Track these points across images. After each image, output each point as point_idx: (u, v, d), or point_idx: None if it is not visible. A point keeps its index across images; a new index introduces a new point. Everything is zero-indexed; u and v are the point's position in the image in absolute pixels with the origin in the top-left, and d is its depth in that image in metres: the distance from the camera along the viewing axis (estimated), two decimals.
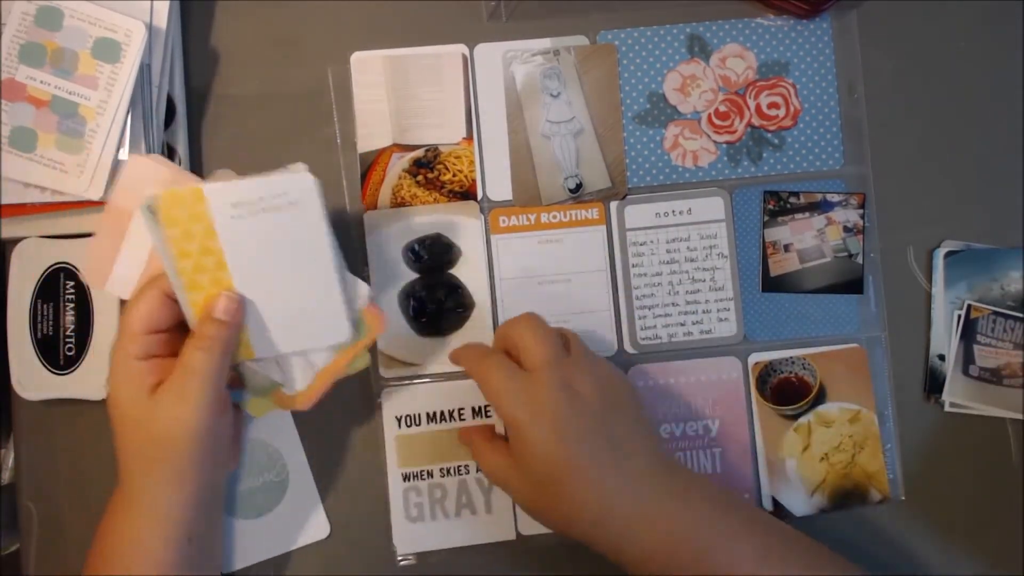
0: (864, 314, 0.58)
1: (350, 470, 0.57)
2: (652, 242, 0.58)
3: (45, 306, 0.55)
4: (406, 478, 0.57)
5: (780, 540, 0.48)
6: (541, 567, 0.57)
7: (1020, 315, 0.58)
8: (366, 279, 0.57)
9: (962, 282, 0.58)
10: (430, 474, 0.57)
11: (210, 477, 0.48)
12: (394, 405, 0.57)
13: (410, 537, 0.57)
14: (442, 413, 0.57)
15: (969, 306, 0.58)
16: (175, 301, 0.46)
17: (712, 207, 0.59)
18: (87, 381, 0.55)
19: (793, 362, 0.58)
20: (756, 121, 0.59)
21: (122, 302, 0.56)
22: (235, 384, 0.50)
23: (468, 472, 0.57)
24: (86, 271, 0.50)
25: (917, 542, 0.58)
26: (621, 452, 0.47)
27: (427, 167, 0.58)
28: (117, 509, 0.48)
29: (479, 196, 0.58)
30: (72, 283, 0.55)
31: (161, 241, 0.45)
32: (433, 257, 0.58)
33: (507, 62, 0.58)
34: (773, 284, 0.58)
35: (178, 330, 0.47)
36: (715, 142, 0.59)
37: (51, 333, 0.55)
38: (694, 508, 0.47)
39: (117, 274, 0.49)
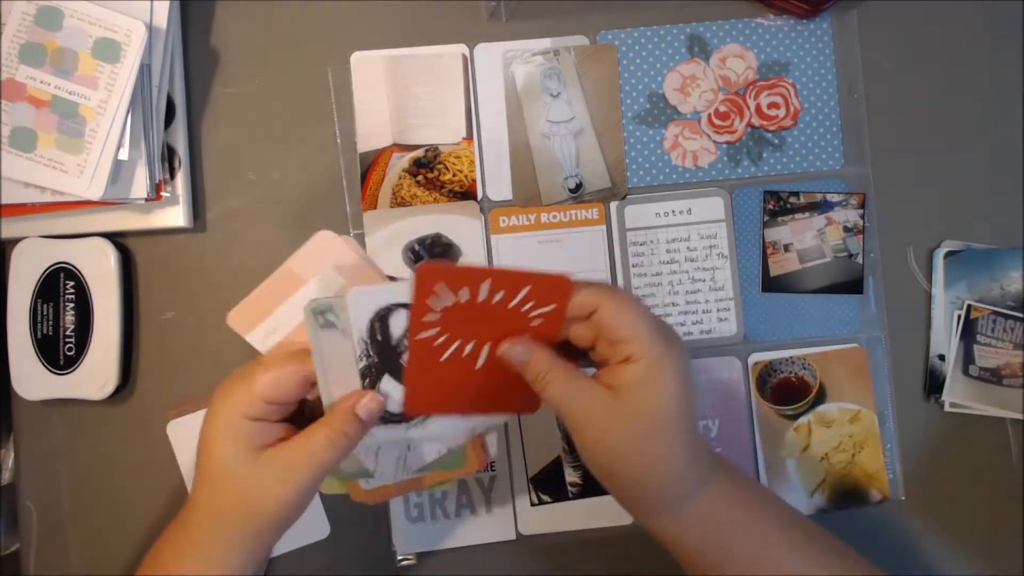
0: (864, 314, 0.58)
1: None
2: (652, 242, 0.58)
3: (45, 306, 0.55)
4: None
5: (831, 550, 0.46)
6: (541, 567, 0.57)
7: (1020, 315, 0.58)
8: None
9: (962, 282, 0.58)
10: None
11: (276, 542, 0.47)
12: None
13: (410, 537, 0.57)
14: None
15: (969, 306, 0.58)
16: (310, 383, 0.45)
17: (712, 207, 0.59)
18: (87, 381, 0.55)
19: (793, 362, 0.58)
20: (756, 121, 0.59)
21: (128, 308, 0.56)
22: None
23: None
24: (234, 313, 0.49)
25: (917, 542, 0.58)
26: (699, 437, 0.45)
27: (427, 167, 0.58)
28: (177, 545, 0.46)
29: (479, 196, 0.58)
30: (72, 283, 0.55)
31: (316, 338, 0.44)
32: (433, 257, 0.58)
33: (507, 62, 0.58)
34: (773, 284, 0.58)
35: (290, 406, 0.46)
36: (715, 142, 0.59)
37: (51, 333, 0.55)
38: (734, 485, 0.46)
39: (262, 329, 0.48)
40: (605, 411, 0.43)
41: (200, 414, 0.55)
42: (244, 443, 0.44)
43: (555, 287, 0.43)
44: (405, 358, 0.45)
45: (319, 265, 0.45)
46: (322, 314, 0.44)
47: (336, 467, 0.47)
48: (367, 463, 0.48)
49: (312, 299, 0.44)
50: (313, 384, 0.45)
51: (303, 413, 0.47)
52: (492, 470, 0.57)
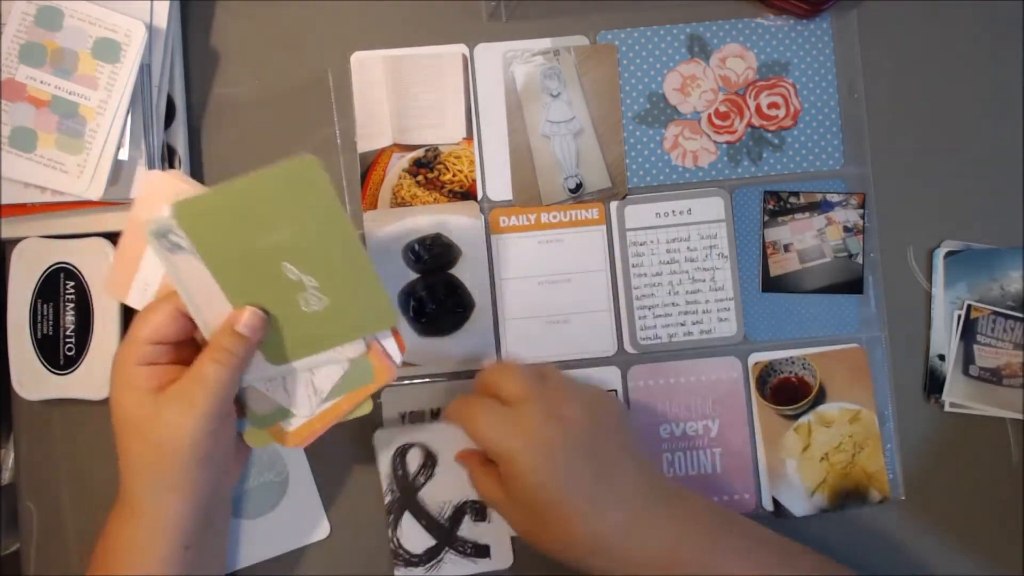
0: (864, 314, 0.58)
1: (350, 470, 0.57)
2: (652, 242, 0.58)
3: (45, 306, 0.55)
4: None
5: (780, 555, 0.48)
6: (541, 568, 0.57)
7: (1020, 315, 0.58)
8: None
9: (962, 282, 0.58)
10: None
11: (210, 487, 0.47)
12: (394, 405, 0.57)
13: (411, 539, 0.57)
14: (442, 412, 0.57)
15: (969, 306, 0.58)
16: (187, 318, 0.46)
17: (712, 207, 0.59)
18: (87, 381, 0.55)
19: (793, 362, 0.58)
20: (756, 121, 0.59)
21: (127, 308, 0.56)
22: (238, 412, 0.49)
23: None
24: (107, 283, 0.51)
25: (917, 542, 0.58)
26: (613, 475, 0.47)
27: (427, 167, 0.58)
28: (116, 515, 0.48)
29: (479, 196, 0.58)
30: (72, 283, 0.55)
31: (169, 264, 0.45)
32: (433, 257, 0.58)
33: (507, 62, 0.58)
34: (773, 284, 0.58)
35: (184, 344, 0.48)
36: (715, 142, 0.59)
37: (51, 333, 0.55)
38: (689, 527, 0.47)
39: (138, 286, 0.49)
40: (507, 509, 0.49)
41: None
42: (140, 388, 0.45)
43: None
44: (421, 495, 0.54)
45: (159, 206, 0.44)
46: (165, 237, 0.44)
47: (254, 414, 0.49)
48: (279, 399, 0.49)
49: (148, 221, 0.44)
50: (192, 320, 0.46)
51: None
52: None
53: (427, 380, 0.57)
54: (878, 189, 0.59)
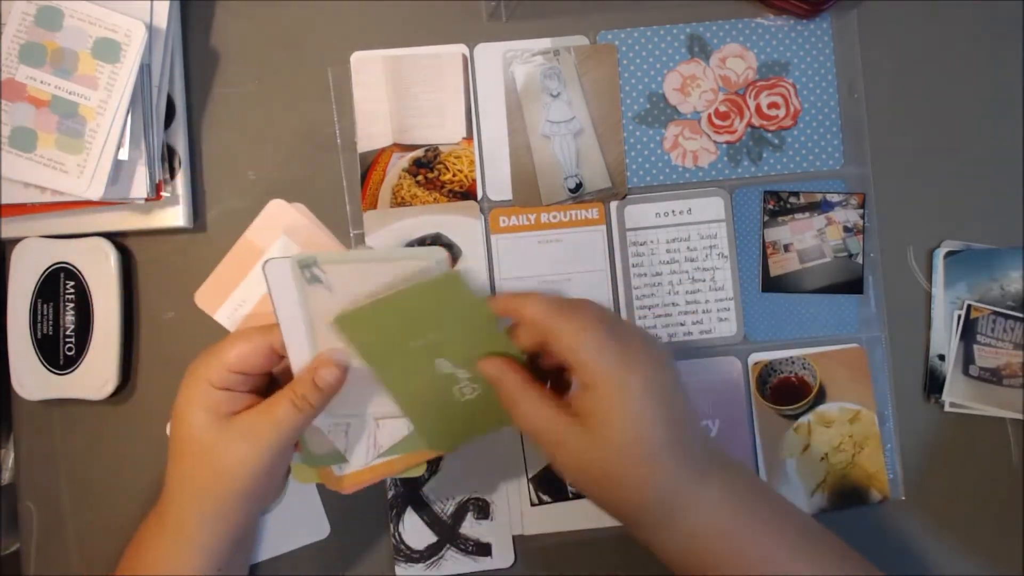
0: (864, 314, 0.58)
1: None
2: (652, 242, 0.58)
3: (45, 306, 0.55)
4: None
5: (836, 556, 0.45)
6: (541, 567, 0.57)
7: (1020, 315, 0.58)
8: None
9: (962, 282, 0.58)
10: None
11: (254, 519, 0.48)
12: None
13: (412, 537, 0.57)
14: None
15: (969, 306, 0.58)
16: (276, 355, 0.47)
17: (712, 207, 0.59)
18: (87, 381, 0.55)
19: (793, 362, 0.58)
20: (756, 121, 0.59)
21: (128, 307, 0.56)
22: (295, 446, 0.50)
23: None
24: (200, 293, 0.52)
25: (917, 542, 0.58)
26: (702, 440, 0.45)
27: (427, 167, 0.58)
28: (155, 526, 0.48)
29: (479, 196, 0.58)
30: (72, 283, 0.55)
31: (301, 293, 0.45)
32: None
33: (507, 62, 0.58)
34: (773, 284, 0.58)
35: (260, 376, 0.48)
36: (715, 142, 0.59)
37: (51, 333, 0.55)
38: (732, 486, 0.44)
39: (231, 304, 0.51)
40: (575, 441, 0.42)
41: None
42: (212, 410, 0.45)
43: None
44: (424, 490, 0.53)
45: (275, 233, 0.47)
46: (308, 268, 0.44)
47: (309, 453, 0.49)
48: (338, 443, 0.49)
49: (294, 255, 0.44)
50: (281, 357, 0.46)
51: (272, 388, 0.48)
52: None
53: None
54: (878, 189, 0.59)
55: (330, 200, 0.58)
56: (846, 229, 0.59)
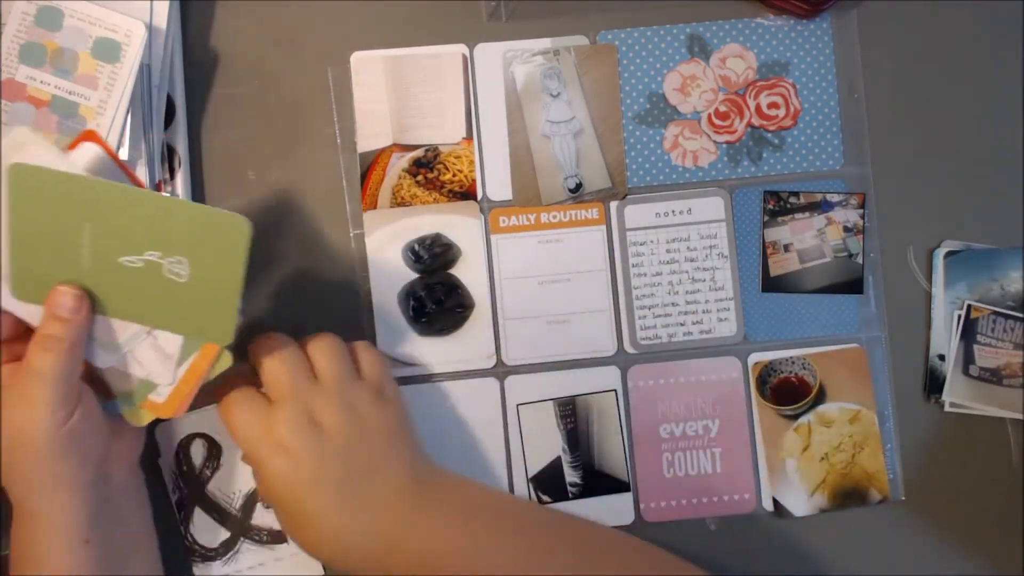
0: (864, 314, 0.58)
1: None
2: (652, 242, 0.58)
3: None
4: None
5: (550, 539, 0.49)
6: None
7: (1020, 315, 0.58)
8: (365, 279, 0.57)
9: (962, 282, 0.58)
10: None
11: (87, 475, 0.46)
12: None
13: None
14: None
15: (969, 306, 0.58)
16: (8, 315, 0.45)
17: (712, 207, 0.59)
18: None
19: (793, 362, 0.58)
20: (756, 121, 0.59)
21: None
22: (106, 395, 0.49)
23: None
24: None
25: (917, 542, 0.58)
26: (368, 479, 0.48)
27: (427, 167, 0.58)
28: (13, 524, 0.47)
29: (479, 196, 0.58)
30: None
31: None
32: (433, 257, 0.58)
33: (507, 62, 0.58)
34: (773, 284, 0.58)
35: (18, 339, 0.46)
36: (715, 142, 0.59)
37: None
38: (445, 517, 0.48)
39: None
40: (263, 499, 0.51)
41: (203, 411, 0.55)
42: None
43: None
44: (209, 487, 0.53)
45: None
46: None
47: (122, 393, 0.48)
48: (136, 372, 0.48)
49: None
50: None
51: None
52: None
53: (427, 380, 0.57)
54: (878, 189, 0.59)
55: (330, 200, 0.58)
56: (846, 229, 0.59)
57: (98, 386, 0.48)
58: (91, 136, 0.47)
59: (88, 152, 0.47)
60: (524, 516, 0.51)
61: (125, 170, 0.48)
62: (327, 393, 0.48)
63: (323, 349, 0.50)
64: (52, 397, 0.43)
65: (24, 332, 0.46)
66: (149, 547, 0.52)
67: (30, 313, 0.46)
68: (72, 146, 0.47)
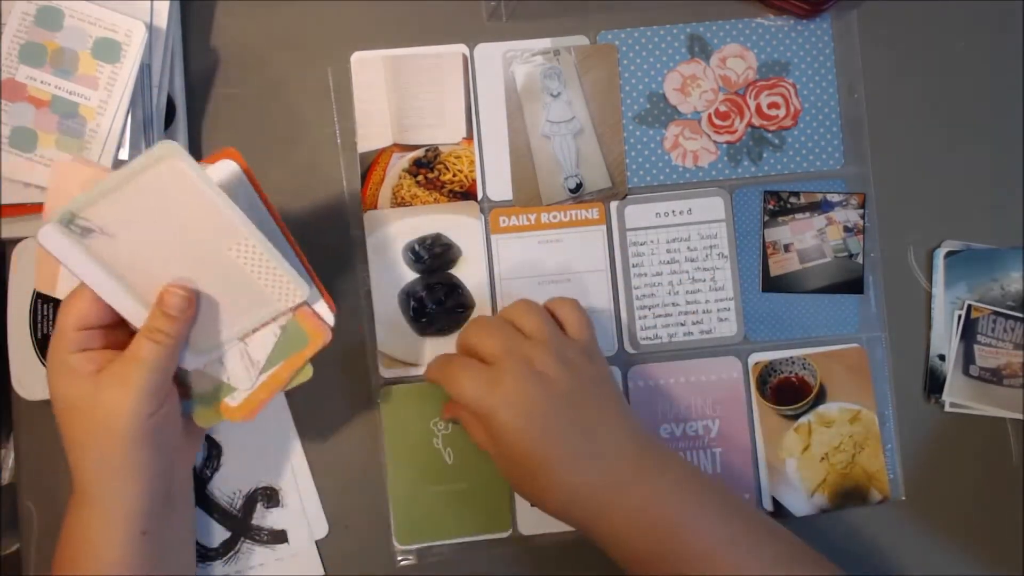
0: (864, 314, 0.58)
1: (349, 469, 0.57)
2: (652, 242, 0.58)
3: (45, 306, 0.55)
4: None
5: (753, 525, 0.48)
6: (540, 567, 0.57)
7: (1020, 315, 0.58)
8: (366, 279, 0.57)
9: (962, 282, 0.58)
10: None
11: (159, 468, 0.47)
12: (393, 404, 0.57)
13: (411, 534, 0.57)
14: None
15: (969, 306, 0.58)
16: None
17: (712, 207, 0.59)
18: None
19: (793, 362, 0.58)
20: (756, 121, 0.59)
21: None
22: (183, 394, 0.49)
23: None
24: (36, 279, 0.49)
25: (917, 542, 0.58)
26: (592, 431, 0.48)
27: (427, 167, 0.58)
28: (72, 505, 0.47)
29: (479, 196, 0.58)
30: None
31: (82, 250, 0.45)
32: (433, 257, 0.58)
33: (507, 62, 0.58)
34: (773, 284, 0.58)
35: (116, 329, 0.48)
36: (715, 142, 0.59)
37: (51, 333, 0.55)
38: (665, 485, 0.48)
39: (65, 276, 0.48)
40: (496, 457, 0.50)
41: None
42: (76, 373, 0.45)
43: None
44: (210, 487, 0.53)
45: (69, 195, 0.45)
46: (71, 223, 0.45)
47: (199, 394, 0.49)
48: (220, 375, 0.49)
49: (54, 216, 0.44)
50: None
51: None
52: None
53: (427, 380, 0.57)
54: (878, 189, 0.59)
55: (330, 200, 0.58)
56: (846, 229, 0.59)
57: (177, 384, 0.49)
58: (232, 154, 0.48)
59: (226, 169, 0.48)
60: (735, 499, 0.51)
61: (259, 191, 0.48)
62: (542, 347, 0.49)
63: (524, 312, 0.51)
64: (149, 385, 0.45)
65: (120, 321, 0.47)
66: (192, 548, 0.53)
67: (134, 312, 0.46)
68: (213, 159, 0.48)
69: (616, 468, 0.48)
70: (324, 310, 0.49)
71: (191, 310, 0.46)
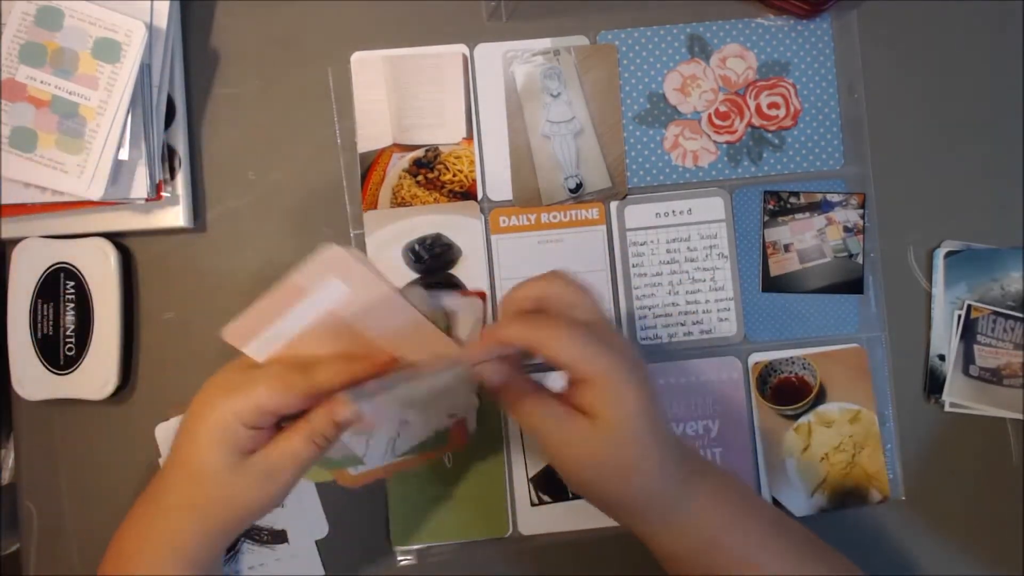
0: (864, 314, 0.58)
1: None
2: (652, 242, 0.58)
3: (45, 306, 0.55)
4: None
5: (809, 548, 0.47)
6: (540, 567, 0.57)
7: (1020, 315, 0.58)
8: None
9: (962, 282, 0.58)
10: None
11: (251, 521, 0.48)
12: None
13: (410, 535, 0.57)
14: None
15: (969, 306, 0.58)
16: (312, 397, 0.45)
17: (712, 207, 0.59)
18: (87, 381, 0.55)
19: (793, 362, 0.58)
20: (756, 121, 0.59)
21: (127, 307, 0.56)
22: None
23: None
24: (231, 327, 0.45)
25: (917, 542, 0.58)
26: (676, 442, 0.46)
27: (427, 167, 0.58)
28: (142, 532, 0.47)
29: (479, 196, 0.58)
30: (72, 283, 0.55)
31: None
32: (433, 257, 0.58)
33: (507, 62, 0.58)
34: (773, 284, 0.58)
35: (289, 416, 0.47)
36: (715, 142, 0.59)
37: (51, 333, 0.55)
38: (706, 489, 0.45)
39: (262, 340, 0.46)
40: (581, 438, 0.43)
41: None
42: (235, 449, 0.44)
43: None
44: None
45: (324, 276, 0.43)
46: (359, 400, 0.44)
47: (326, 458, 0.48)
48: (357, 450, 0.49)
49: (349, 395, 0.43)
50: (317, 396, 0.44)
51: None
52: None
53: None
54: (878, 189, 0.59)
55: (330, 200, 0.58)
56: (846, 229, 0.59)
57: None
58: (483, 296, 0.49)
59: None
60: (782, 519, 0.48)
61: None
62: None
63: (574, 290, 0.46)
64: (294, 482, 0.45)
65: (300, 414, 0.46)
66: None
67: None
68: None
69: (687, 471, 0.45)
70: (472, 418, 0.51)
71: (351, 424, 0.44)
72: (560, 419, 0.43)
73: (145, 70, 0.53)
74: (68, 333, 0.55)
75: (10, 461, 0.61)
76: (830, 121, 0.59)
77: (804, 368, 0.58)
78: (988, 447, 0.58)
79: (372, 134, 0.58)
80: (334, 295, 0.43)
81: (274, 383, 0.43)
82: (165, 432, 0.56)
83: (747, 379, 0.58)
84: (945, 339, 0.58)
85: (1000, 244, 0.59)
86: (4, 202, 0.54)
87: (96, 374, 0.55)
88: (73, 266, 0.55)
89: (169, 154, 0.56)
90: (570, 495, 0.57)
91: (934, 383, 0.58)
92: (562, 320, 0.43)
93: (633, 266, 0.58)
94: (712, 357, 0.58)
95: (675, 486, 0.44)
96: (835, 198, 0.59)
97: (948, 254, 0.58)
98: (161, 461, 0.56)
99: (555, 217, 0.58)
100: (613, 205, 0.58)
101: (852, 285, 0.58)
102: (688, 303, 0.58)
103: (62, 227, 0.56)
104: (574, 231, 0.58)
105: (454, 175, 0.58)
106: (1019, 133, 0.59)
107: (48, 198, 0.54)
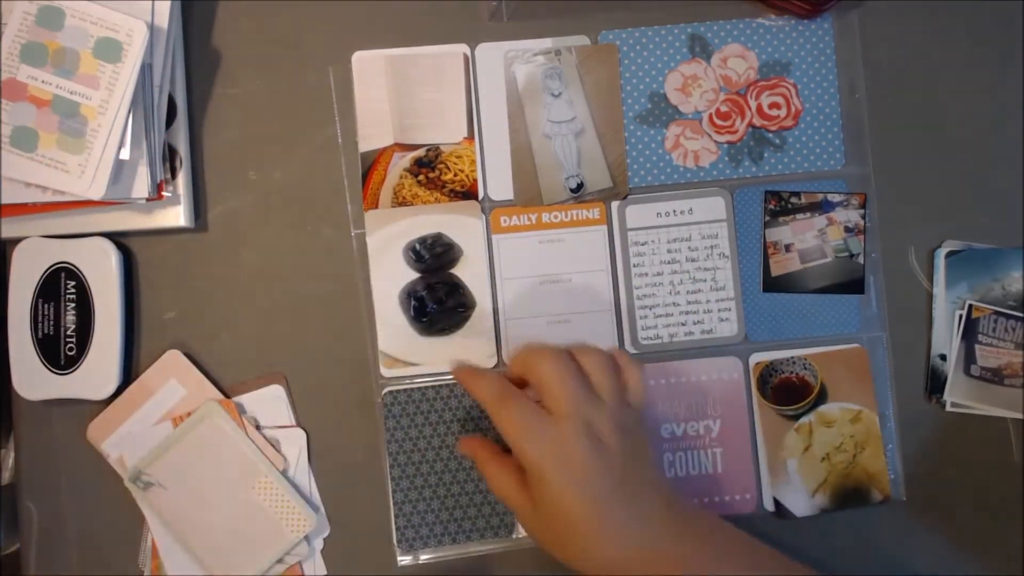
0: (865, 314, 0.58)
1: (350, 470, 0.57)
2: (653, 242, 0.58)
3: (46, 306, 0.55)
4: None
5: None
6: (540, 568, 0.57)
7: (1021, 315, 0.58)
8: (367, 279, 0.57)
9: (963, 282, 0.58)
10: None
11: None
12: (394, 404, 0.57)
13: (410, 535, 0.57)
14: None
15: (970, 306, 0.58)
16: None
17: (713, 207, 0.59)
18: (87, 381, 0.55)
19: (794, 362, 0.58)
20: (757, 121, 0.59)
21: (128, 307, 0.56)
22: None
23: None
24: (92, 428, 0.56)
25: (918, 542, 0.58)
26: (639, 503, 0.47)
27: (428, 166, 0.58)
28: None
29: (480, 196, 0.58)
30: (73, 283, 0.55)
31: (144, 502, 0.55)
32: (434, 257, 0.58)
33: (508, 62, 0.58)
34: (774, 284, 0.58)
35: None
36: (716, 142, 0.59)
37: (51, 333, 0.55)
38: (706, 552, 0.47)
39: (115, 437, 0.56)
40: (525, 512, 0.49)
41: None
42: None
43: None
44: None
45: (166, 378, 0.55)
46: (137, 479, 0.54)
47: None
48: None
49: (128, 477, 0.54)
50: None
51: None
52: None
53: (427, 380, 0.57)
54: (879, 189, 0.59)
55: (331, 200, 0.58)
56: (847, 229, 0.59)
57: None
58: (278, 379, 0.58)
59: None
60: (762, 550, 0.50)
61: None
62: (608, 412, 0.48)
63: (599, 365, 0.50)
64: None
65: None
66: None
67: (183, 564, 0.55)
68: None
69: (658, 537, 0.47)
70: (318, 566, 0.56)
71: None
72: (512, 490, 0.49)
73: (146, 70, 0.53)
74: (69, 333, 0.55)
75: (10, 461, 0.60)
76: (831, 121, 0.59)
77: (805, 368, 0.58)
78: (989, 447, 0.58)
79: (373, 133, 0.58)
80: (175, 395, 0.55)
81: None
82: None
83: (748, 379, 0.58)
84: (946, 339, 0.58)
85: (1001, 244, 0.59)
86: (5, 202, 0.54)
87: (96, 374, 0.55)
88: (74, 266, 0.55)
89: (170, 154, 0.56)
90: None
91: (935, 383, 0.58)
92: (513, 404, 0.48)
93: (634, 266, 0.58)
94: (713, 357, 0.58)
95: (629, 548, 0.46)
96: (836, 198, 0.59)
97: (949, 254, 0.58)
98: None
99: (556, 217, 0.58)
100: (614, 205, 0.58)
101: (853, 285, 0.58)
102: (689, 303, 0.58)
103: (63, 227, 0.56)
104: (575, 231, 0.58)
105: (455, 175, 0.58)
106: (1019, 133, 0.59)
107: (49, 198, 0.54)
